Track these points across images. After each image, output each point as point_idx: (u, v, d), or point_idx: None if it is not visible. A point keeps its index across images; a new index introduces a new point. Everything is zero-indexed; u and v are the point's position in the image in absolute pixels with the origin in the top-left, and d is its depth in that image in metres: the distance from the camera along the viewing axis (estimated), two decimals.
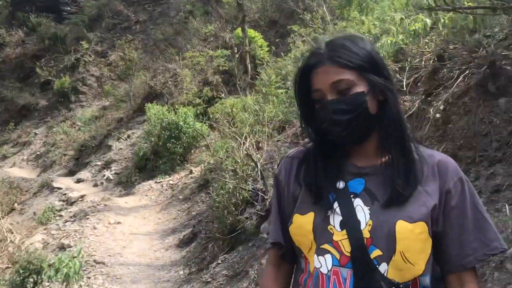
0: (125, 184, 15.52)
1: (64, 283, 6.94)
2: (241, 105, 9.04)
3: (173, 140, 14.77)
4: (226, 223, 7.12)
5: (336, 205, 1.33)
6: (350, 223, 1.29)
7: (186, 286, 6.83)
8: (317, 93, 1.36)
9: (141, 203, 13.22)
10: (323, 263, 1.31)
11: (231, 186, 7.17)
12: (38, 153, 21.50)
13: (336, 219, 1.32)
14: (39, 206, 15.76)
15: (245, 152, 7.13)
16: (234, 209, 7.16)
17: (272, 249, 1.55)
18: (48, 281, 7.10)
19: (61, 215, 13.46)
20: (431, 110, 4.70)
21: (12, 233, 10.50)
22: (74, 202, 14.39)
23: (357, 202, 1.32)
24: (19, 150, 22.53)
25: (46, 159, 20.63)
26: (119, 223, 10.98)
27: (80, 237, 9.67)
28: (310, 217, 1.35)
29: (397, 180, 1.29)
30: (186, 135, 14.88)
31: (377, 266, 1.26)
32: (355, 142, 1.37)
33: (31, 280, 7.52)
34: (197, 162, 14.22)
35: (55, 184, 16.54)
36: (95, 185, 16.51)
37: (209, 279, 6.49)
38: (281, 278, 1.50)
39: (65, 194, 15.32)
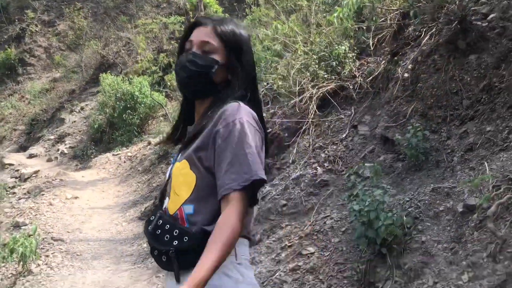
0: (81, 157, 14.92)
1: (21, 263, 6.53)
2: None
3: (129, 111, 14.22)
4: None
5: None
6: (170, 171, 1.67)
7: (150, 259, 6.56)
8: (189, 43, 1.66)
9: (98, 176, 12.72)
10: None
11: None
12: None
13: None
14: None
15: None
16: None
17: None
18: (2, 262, 6.65)
19: (14, 192, 12.80)
20: (399, 70, 4.55)
21: None
22: (28, 178, 13.71)
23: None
24: None
25: None
26: (76, 198, 10.51)
27: (36, 214, 9.17)
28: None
29: (195, 128, 1.60)
30: (143, 105, 14.35)
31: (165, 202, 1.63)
32: (190, 94, 1.68)
33: None
34: (155, 133, 13.77)
35: (6, 161, 15.72)
36: (49, 160, 15.79)
37: None
38: None
39: (17, 170, 14.58)
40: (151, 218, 1.64)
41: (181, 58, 1.63)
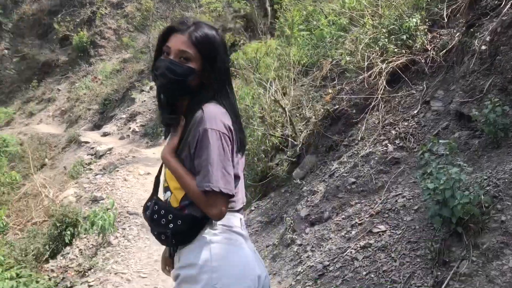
0: (151, 135, 15.48)
1: (100, 235, 6.96)
2: (265, 50, 8.65)
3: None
4: (257, 170, 6.96)
5: None
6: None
7: None
8: (167, 48, 1.86)
9: None
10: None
11: (260, 133, 6.95)
12: (63, 109, 21.53)
13: None
14: (68, 160, 15.92)
15: (272, 98, 6.85)
16: (264, 156, 6.97)
17: None
18: (84, 233, 7.13)
19: (90, 169, 13.56)
20: (476, 42, 4.32)
21: (46, 187, 10.59)
22: (103, 155, 14.45)
23: None
24: (44, 107, 22.61)
25: (71, 114, 20.66)
26: (148, 173, 10.97)
27: (112, 189, 9.69)
28: None
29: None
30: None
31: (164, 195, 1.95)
32: (169, 97, 1.91)
33: (68, 232, 7.57)
34: None
35: (82, 139, 16.62)
36: (122, 138, 16.51)
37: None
38: None
39: (93, 148, 15.40)
40: (148, 204, 2.00)
41: (160, 63, 1.85)
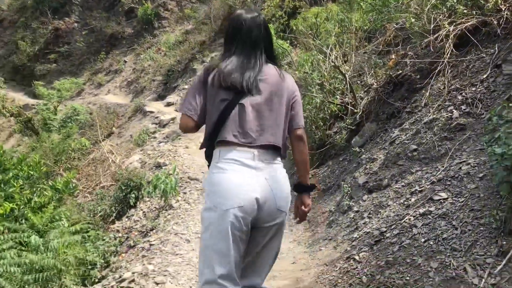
0: None
1: (163, 198, 7.20)
2: (325, 15, 8.41)
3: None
4: (315, 138, 6.87)
5: None
6: None
7: None
8: None
9: None
10: None
11: (318, 101, 6.83)
12: (129, 80, 22.24)
13: None
14: (134, 129, 16.51)
15: (332, 64, 6.69)
16: (322, 124, 6.87)
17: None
18: (148, 197, 7.40)
19: (155, 137, 14.00)
20: None
21: (113, 154, 11.07)
22: (166, 124, 14.85)
23: None
24: (112, 78, 23.46)
25: (136, 85, 21.31)
26: None
27: (174, 156, 9.97)
28: None
29: None
30: None
31: None
32: None
33: (133, 195, 7.89)
34: None
35: (147, 109, 17.11)
36: None
37: None
38: None
39: (157, 117, 15.84)
40: None
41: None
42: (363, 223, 4.34)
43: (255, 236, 2.33)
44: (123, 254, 5.95)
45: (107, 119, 17.79)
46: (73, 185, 7.25)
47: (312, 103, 6.93)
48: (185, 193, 7.52)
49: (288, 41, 14.77)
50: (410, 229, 3.74)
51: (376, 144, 5.69)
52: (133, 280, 4.15)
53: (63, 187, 6.99)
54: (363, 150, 5.74)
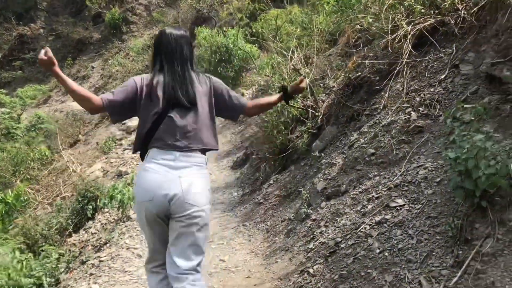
0: None
1: (120, 210, 6.87)
2: (287, 17, 8.21)
3: (223, 64, 14.20)
4: (276, 143, 6.64)
5: None
6: None
7: (239, 208, 6.54)
8: None
9: None
10: None
11: (279, 104, 6.58)
12: (97, 86, 21.73)
13: None
14: (101, 136, 16.09)
15: (292, 67, 6.47)
16: (283, 128, 6.64)
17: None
18: (104, 208, 7.05)
19: (121, 144, 13.62)
20: None
21: (73, 163, 10.64)
22: (133, 130, 14.50)
23: None
24: (80, 84, 22.87)
25: (104, 91, 20.79)
26: None
27: (137, 164, 9.61)
28: None
29: None
30: (237, 57, 14.25)
31: None
32: None
33: (90, 207, 7.53)
34: (248, 84, 13.68)
35: None
36: None
37: (262, 200, 6.14)
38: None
39: (124, 123, 15.46)
40: None
41: None
42: (320, 232, 4.11)
43: (172, 225, 2.65)
44: (74, 271, 5.59)
45: (73, 127, 17.29)
46: (25, 198, 6.83)
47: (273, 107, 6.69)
48: None
49: (257, 44, 14.60)
50: (365, 239, 3.53)
51: (335, 148, 5.49)
52: None
53: (14, 200, 6.58)
54: (323, 154, 5.54)
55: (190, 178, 2.62)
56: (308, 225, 4.41)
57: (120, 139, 14.32)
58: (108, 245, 5.78)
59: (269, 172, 6.56)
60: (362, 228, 3.67)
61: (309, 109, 6.41)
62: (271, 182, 6.37)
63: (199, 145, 2.69)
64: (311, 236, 4.17)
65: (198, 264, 2.67)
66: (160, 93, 2.63)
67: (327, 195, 4.66)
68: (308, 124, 6.25)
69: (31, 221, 7.62)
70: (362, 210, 3.93)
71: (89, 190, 7.64)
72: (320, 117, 6.27)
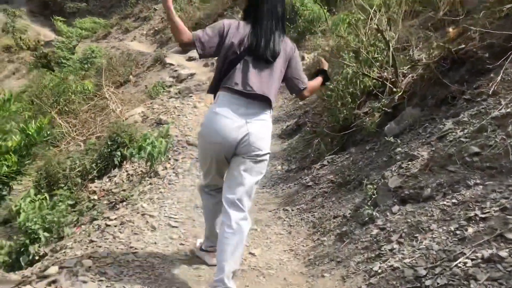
0: None
1: (148, 163, 5.89)
2: None
3: (287, 23, 12.80)
4: (339, 117, 5.39)
5: None
6: None
7: (282, 186, 5.42)
8: None
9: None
10: None
11: (350, 71, 5.30)
12: (156, 28, 20.82)
13: None
14: (151, 80, 15.24)
15: (375, 27, 5.11)
16: (350, 100, 5.36)
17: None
18: (132, 158, 6.09)
19: (169, 91, 12.71)
20: None
21: (114, 102, 9.75)
22: (184, 79, 13.58)
23: None
24: (140, 25, 22.07)
25: (163, 35, 19.90)
26: None
27: (179, 115, 8.61)
28: None
29: None
30: (302, 18, 12.81)
31: None
32: None
33: (118, 153, 6.60)
34: (310, 48, 12.28)
35: (167, 60, 15.85)
36: (206, 65, 15.42)
37: (310, 183, 4.96)
38: None
39: (176, 70, 14.59)
40: None
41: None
42: (390, 250, 2.91)
43: (235, 162, 2.81)
44: (82, 227, 4.68)
45: (126, 66, 16.50)
46: (47, 132, 5.95)
47: (342, 73, 5.41)
48: (176, 160, 6.17)
49: (326, 7, 13.07)
50: (466, 282, 2.31)
51: (417, 136, 4.19)
52: (54, 281, 2.85)
53: (35, 133, 5.71)
54: (399, 141, 4.25)
55: (257, 124, 2.74)
56: (373, 233, 3.21)
57: (170, 86, 13.35)
58: (124, 203, 4.81)
59: (323, 150, 5.35)
60: (460, 263, 2.44)
61: (387, 82, 5.09)
62: (325, 162, 5.16)
63: (267, 96, 2.75)
64: (377, 252, 2.97)
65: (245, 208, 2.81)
66: (245, 41, 2.73)
67: (403, 197, 3.42)
68: (383, 100, 4.94)
69: (54, 158, 6.80)
70: (458, 232, 2.69)
71: (120, 134, 6.69)
72: (399, 94, 4.95)
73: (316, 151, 5.58)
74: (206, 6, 18.95)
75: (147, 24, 21.69)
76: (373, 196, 3.68)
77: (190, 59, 16.22)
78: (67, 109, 9.70)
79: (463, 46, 4.41)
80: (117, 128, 6.76)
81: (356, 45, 5.35)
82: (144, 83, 15.27)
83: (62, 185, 6.32)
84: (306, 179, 5.05)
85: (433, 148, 3.71)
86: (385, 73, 5.36)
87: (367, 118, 5.30)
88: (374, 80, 5.25)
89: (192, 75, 13.79)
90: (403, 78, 5.21)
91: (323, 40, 12.12)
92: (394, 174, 3.73)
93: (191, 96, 10.21)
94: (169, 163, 6.07)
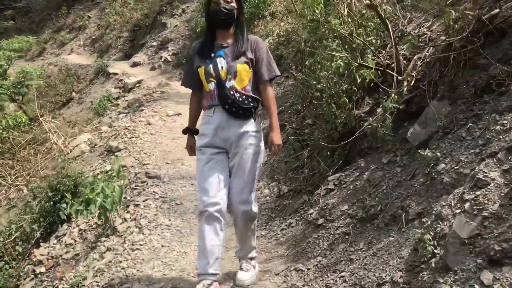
0: (184, 65, 12.66)
1: (102, 218, 4.40)
2: None
3: None
4: (335, 123, 4.06)
5: (210, 62, 2.88)
6: (216, 68, 2.85)
7: (278, 221, 4.09)
8: (214, 2, 2.88)
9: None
10: (210, 87, 2.87)
11: (341, 64, 3.95)
12: (93, 37, 18.76)
13: (212, 68, 2.85)
14: (96, 94, 13.47)
15: (367, 1, 3.77)
16: (347, 99, 4.04)
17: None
18: (77, 216, 4.55)
19: (117, 104, 11.05)
20: None
21: (55, 133, 8.05)
22: (131, 88, 11.96)
23: (220, 59, 2.87)
24: (75, 36, 19.87)
25: (102, 43, 17.91)
26: (179, 114, 8.27)
27: (131, 137, 7.05)
28: (202, 68, 2.88)
29: (238, 47, 2.89)
30: (247, 3, 11.36)
31: (226, 83, 2.85)
32: (225, 28, 2.90)
33: (64, 205, 5.05)
34: (262, 35, 10.86)
35: (110, 70, 14.08)
36: (153, 69, 13.79)
37: (320, 219, 3.58)
38: (197, 100, 3.06)
39: (121, 80, 12.90)
40: (229, 94, 2.83)
41: (215, 8, 2.87)
42: None
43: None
44: None
45: (66, 83, 14.58)
46: None
47: (329, 66, 4.06)
48: (137, 204, 4.70)
49: None
50: None
51: (461, 144, 2.93)
52: None
53: None
54: (438, 154, 2.97)
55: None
56: None
57: (117, 98, 11.65)
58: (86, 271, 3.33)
59: (322, 169, 4.01)
60: None
61: (388, 70, 3.80)
62: (331, 185, 3.82)
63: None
64: None
65: None
66: None
67: (492, 256, 2.15)
68: (393, 95, 3.64)
69: None
70: None
71: (62, 182, 5.13)
72: (409, 83, 3.67)
73: (311, 168, 4.23)
74: (142, 6, 17.11)
75: (83, 33, 19.58)
76: (436, 252, 2.39)
77: (135, 64, 14.54)
78: (0, 149, 7.93)
79: (497, 11, 3.15)
80: (57, 173, 5.18)
81: (345, 29, 4.00)
82: (89, 99, 13.50)
83: None
84: (311, 213, 3.71)
85: (506, 166, 2.45)
86: (384, 59, 4.08)
87: (371, 119, 4.02)
88: (375, 69, 3.93)
89: (139, 82, 12.17)
90: (405, 63, 3.94)
91: (274, 25, 10.78)
92: (458, 211, 2.45)
93: (142, 110, 8.65)
94: (128, 211, 4.60)
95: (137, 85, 12.03)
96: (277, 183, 4.61)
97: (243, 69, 2.84)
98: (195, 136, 3.01)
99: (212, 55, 2.86)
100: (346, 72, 4.02)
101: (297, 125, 5.16)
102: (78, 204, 4.32)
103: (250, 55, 2.87)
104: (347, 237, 3.21)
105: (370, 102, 4.17)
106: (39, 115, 8.66)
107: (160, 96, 9.63)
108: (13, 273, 4.52)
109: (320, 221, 3.51)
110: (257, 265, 3.23)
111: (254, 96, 2.88)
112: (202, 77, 2.88)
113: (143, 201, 4.76)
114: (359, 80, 3.95)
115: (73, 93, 14.29)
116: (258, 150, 2.89)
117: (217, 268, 2.77)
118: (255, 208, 2.95)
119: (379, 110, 4.04)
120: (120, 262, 3.57)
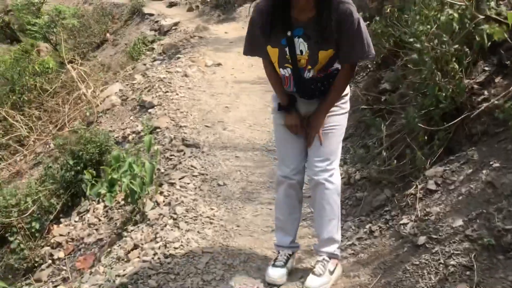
0: (224, 7, 11.35)
1: (130, 205, 3.49)
2: None
3: None
4: (440, 97, 2.87)
5: (286, 44, 2.23)
6: (293, 52, 2.23)
7: (354, 228, 3.07)
8: None
9: (245, 32, 9.11)
10: (283, 72, 2.34)
11: (455, 15, 2.71)
12: None
13: (288, 52, 2.24)
14: (130, 36, 12.41)
15: None
16: (457, 65, 2.82)
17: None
18: (99, 199, 3.66)
19: (153, 48, 10.03)
20: None
21: (83, 82, 7.08)
22: (167, 31, 10.88)
23: (299, 42, 2.21)
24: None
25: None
26: (219, 64, 7.16)
27: (166, 92, 6.02)
28: (275, 50, 2.27)
29: (323, 26, 2.14)
30: None
31: (306, 73, 2.30)
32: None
33: (87, 177, 4.13)
34: None
35: (146, 10, 12.99)
36: (190, 10, 12.53)
37: (421, 238, 2.55)
38: (273, 66, 2.40)
39: (157, 21, 11.84)
40: (309, 85, 2.34)
41: None
42: None
43: None
44: None
45: (100, 23, 13.52)
46: None
47: (438, 21, 2.82)
48: (172, 183, 3.75)
49: None
50: None
51: None
52: None
53: None
54: None
55: None
56: None
57: (152, 42, 10.58)
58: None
59: (419, 159, 2.88)
60: None
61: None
62: (431, 186, 2.70)
63: None
64: None
65: None
66: None
67: None
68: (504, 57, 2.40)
69: None
70: None
71: (86, 148, 4.22)
72: None
73: (409, 162, 3.09)
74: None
75: None
76: None
77: (171, 4, 13.34)
78: (26, 98, 7.08)
79: None
80: (79, 137, 4.26)
81: None
82: (124, 41, 12.49)
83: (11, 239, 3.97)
84: (405, 223, 2.64)
85: None
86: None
87: (486, 92, 2.82)
88: (500, 26, 2.67)
89: (176, 24, 11.06)
90: None
91: None
92: None
93: (178, 58, 7.55)
94: (161, 192, 3.66)
95: (173, 27, 10.95)
96: (346, 168, 3.53)
97: (327, 55, 2.25)
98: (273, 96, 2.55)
99: (289, 33, 2.21)
100: (458, 27, 2.78)
101: (369, 89, 3.97)
102: (100, 184, 3.40)
103: (336, 35, 2.18)
104: (468, 273, 2.16)
105: (486, 69, 2.95)
106: (65, 62, 7.66)
107: (198, 42, 8.47)
108: (28, 255, 3.74)
109: (422, 239, 2.45)
110: (337, 268, 2.51)
111: (334, 71, 2.34)
112: (273, 59, 2.33)
113: (179, 179, 3.80)
114: (478, 39, 2.71)
115: (108, 34, 13.25)
116: (340, 116, 2.43)
117: (295, 241, 2.63)
118: (335, 179, 2.41)
119: (500, 79, 2.85)
120: (149, 276, 2.66)
